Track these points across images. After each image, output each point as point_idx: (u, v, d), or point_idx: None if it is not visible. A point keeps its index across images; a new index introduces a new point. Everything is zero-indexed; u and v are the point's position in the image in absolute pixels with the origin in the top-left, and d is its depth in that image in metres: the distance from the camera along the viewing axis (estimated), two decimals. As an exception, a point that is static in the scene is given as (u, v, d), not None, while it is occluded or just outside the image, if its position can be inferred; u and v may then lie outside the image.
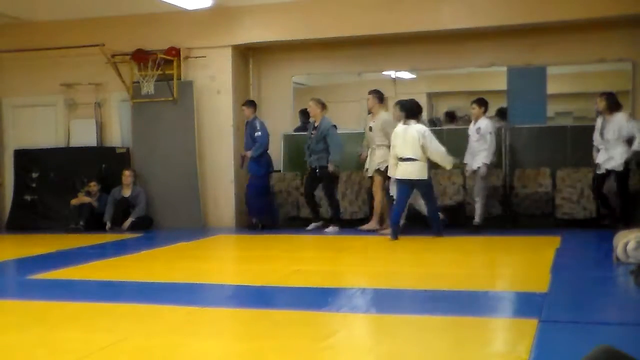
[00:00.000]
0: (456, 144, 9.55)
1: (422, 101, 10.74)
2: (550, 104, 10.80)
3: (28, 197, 11.67)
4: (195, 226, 10.83)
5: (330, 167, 9.93)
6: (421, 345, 4.13)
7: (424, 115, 10.45)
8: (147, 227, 10.82)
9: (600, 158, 8.97)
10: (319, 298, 5.55)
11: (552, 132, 10.44)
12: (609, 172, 8.93)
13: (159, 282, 6.38)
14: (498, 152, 10.17)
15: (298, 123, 11.48)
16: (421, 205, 9.23)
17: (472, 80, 11.60)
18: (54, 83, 11.62)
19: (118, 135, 11.66)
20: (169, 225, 10.90)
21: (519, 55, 10.49)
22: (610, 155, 8.84)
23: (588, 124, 9.67)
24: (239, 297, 5.78)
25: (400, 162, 8.77)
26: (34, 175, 11.66)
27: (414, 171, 8.71)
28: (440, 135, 9.35)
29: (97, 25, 11.23)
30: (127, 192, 10.94)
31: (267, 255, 8.26)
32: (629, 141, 8.78)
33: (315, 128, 10.10)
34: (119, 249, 9.10)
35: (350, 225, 10.06)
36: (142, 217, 10.84)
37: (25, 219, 11.57)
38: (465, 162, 9.47)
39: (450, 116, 11.88)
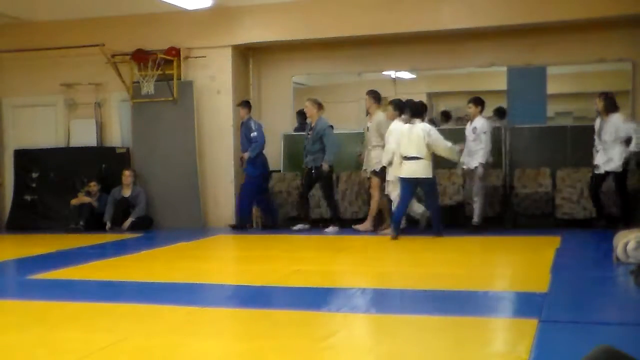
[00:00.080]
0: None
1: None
2: (550, 104, 10.81)
3: (28, 197, 11.67)
4: (195, 226, 10.83)
5: (325, 167, 9.92)
6: (421, 345, 4.13)
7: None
8: (147, 227, 10.82)
9: (598, 159, 8.97)
10: (319, 298, 5.55)
11: (552, 132, 10.44)
12: (607, 173, 8.93)
13: (159, 282, 6.38)
14: (498, 152, 10.18)
15: (295, 124, 11.48)
16: (415, 210, 9.26)
17: (472, 80, 11.60)
18: (54, 83, 11.62)
19: (118, 135, 11.66)
20: (169, 225, 10.90)
21: (519, 55, 10.49)
22: (609, 157, 8.84)
23: (588, 124, 9.66)
24: (239, 297, 5.78)
25: (405, 161, 8.81)
26: (34, 175, 11.65)
27: (419, 169, 8.75)
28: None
29: (97, 25, 11.23)
30: (127, 192, 10.94)
31: (267, 255, 8.27)
32: (627, 141, 8.78)
33: (311, 128, 10.10)
34: (119, 249, 9.10)
35: (351, 225, 10.05)
36: (142, 217, 10.84)
37: (25, 219, 11.57)
38: (463, 161, 9.47)
39: (446, 115, 11.90)
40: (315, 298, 5.55)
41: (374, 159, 9.65)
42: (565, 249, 7.75)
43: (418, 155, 8.75)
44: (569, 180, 9.77)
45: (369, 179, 9.91)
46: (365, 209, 10.25)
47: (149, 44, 10.95)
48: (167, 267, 7.48)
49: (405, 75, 11.48)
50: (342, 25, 10.58)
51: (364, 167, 10.03)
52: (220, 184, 11.06)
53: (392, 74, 11.26)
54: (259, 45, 11.22)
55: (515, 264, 7.27)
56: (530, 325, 4.26)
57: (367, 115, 9.99)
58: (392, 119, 9.36)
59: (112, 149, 11.54)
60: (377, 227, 9.76)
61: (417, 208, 9.34)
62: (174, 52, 10.96)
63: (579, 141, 9.91)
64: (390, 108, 9.48)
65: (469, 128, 9.47)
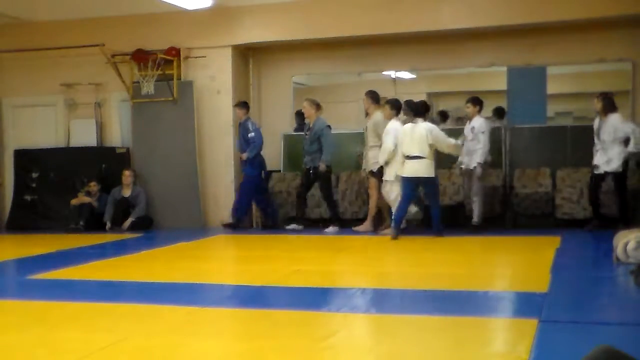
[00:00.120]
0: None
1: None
2: (550, 104, 10.81)
3: (28, 197, 11.67)
4: (195, 226, 10.83)
5: (321, 167, 9.92)
6: (421, 345, 4.13)
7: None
8: (147, 227, 10.82)
9: (597, 159, 8.97)
10: (319, 298, 5.55)
11: (552, 132, 10.44)
12: (607, 173, 8.93)
13: (159, 282, 6.38)
14: (497, 152, 10.18)
15: (295, 124, 11.48)
16: (409, 210, 9.27)
17: (472, 80, 11.60)
18: (54, 83, 11.62)
19: (118, 135, 11.66)
20: (169, 225, 10.90)
21: (519, 55, 10.49)
22: (608, 157, 8.84)
23: (588, 124, 9.66)
24: (239, 297, 5.78)
25: (407, 160, 8.83)
26: (34, 175, 11.65)
27: (422, 169, 8.79)
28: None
29: (97, 25, 11.23)
30: (127, 192, 10.94)
31: (267, 255, 8.27)
32: (626, 142, 8.78)
33: (309, 129, 10.11)
34: (119, 249, 9.10)
35: (353, 225, 10.04)
36: (142, 217, 10.84)
37: (25, 219, 11.57)
38: (461, 161, 9.47)
39: (443, 115, 11.91)
40: (315, 298, 5.55)
41: (372, 159, 9.67)
42: (565, 249, 7.74)
43: (421, 155, 8.79)
44: (569, 180, 9.77)
45: (368, 179, 9.92)
46: (366, 209, 10.25)
47: (149, 44, 10.94)
48: (167, 267, 7.48)
49: (405, 75, 11.48)
50: (342, 25, 10.58)
51: (363, 167, 10.05)
52: (220, 184, 11.06)
53: (392, 74, 11.26)
54: (259, 45, 11.22)
55: (515, 264, 7.27)
56: (530, 325, 4.25)
57: (366, 116, 9.99)
58: (389, 119, 9.37)
59: (112, 149, 11.54)
60: (377, 227, 9.75)
61: (411, 208, 9.35)
62: (174, 52, 10.96)
63: (579, 141, 9.91)
64: (386, 108, 9.49)
65: (467, 128, 9.48)
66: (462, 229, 9.37)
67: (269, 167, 11.32)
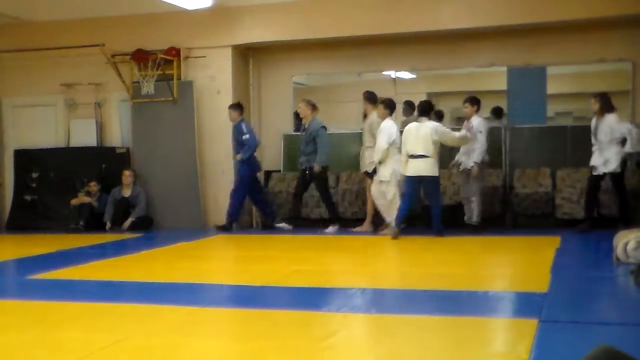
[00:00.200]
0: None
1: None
2: (550, 104, 10.81)
3: (28, 197, 11.67)
4: (195, 226, 10.83)
5: (316, 168, 9.91)
6: (421, 345, 4.13)
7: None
8: (147, 227, 10.82)
9: (594, 160, 8.96)
10: (319, 298, 5.55)
11: (552, 132, 10.44)
12: (604, 174, 8.93)
13: (159, 282, 6.38)
14: (497, 152, 10.19)
15: (294, 125, 11.47)
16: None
17: (472, 80, 11.60)
18: (54, 83, 11.62)
19: (118, 135, 11.66)
20: (169, 225, 10.90)
21: (519, 55, 10.49)
22: (605, 158, 8.84)
23: (588, 124, 9.64)
24: (239, 297, 5.78)
25: (411, 159, 8.87)
26: (34, 175, 11.65)
27: (425, 168, 8.84)
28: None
29: (97, 25, 11.23)
30: (127, 192, 10.94)
31: (267, 255, 8.27)
32: (623, 142, 8.78)
33: (305, 129, 10.11)
34: (119, 249, 9.10)
35: (353, 225, 10.04)
36: (142, 217, 10.85)
37: (25, 219, 11.57)
38: (459, 161, 9.47)
39: (439, 115, 11.90)
40: (315, 298, 5.55)
41: (367, 159, 9.70)
42: (565, 249, 7.75)
43: (425, 154, 8.84)
44: (569, 180, 9.77)
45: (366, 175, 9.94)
46: (366, 208, 10.25)
47: (149, 44, 10.95)
48: (167, 267, 7.48)
49: (405, 75, 11.48)
50: (342, 25, 10.58)
51: (361, 167, 10.09)
52: (220, 184, 11.05)
53: (392, 74, 11.26)
54: (259, 45, 11.22)
55: (515, 264, 7.27)
56: (530, 325, 4.25)
57: (365, 117, 10.03)
58: (383, 118, 9.40)
59: (112, 149, 11.54)
60: (377, 227, 9.76)
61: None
62: (174, 52, 10.96)
63: (579, 141, 9.90)
64: (380, 107, 9.52)
65: (465, 127, 9.48)
66: (462, 229, 9.36)
67: (269, 167, 11.33)
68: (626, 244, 6.53)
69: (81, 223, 10.80)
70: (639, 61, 10.07)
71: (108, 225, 10.84)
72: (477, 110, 9.46)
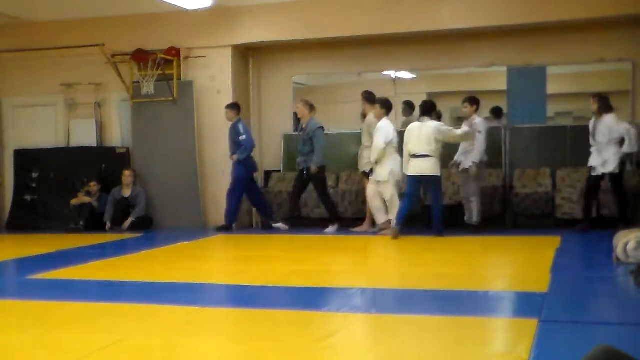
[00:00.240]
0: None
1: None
2: (550, 104, 10.81)
3: (28, 197, 11.67)
4: (195, 226, 10.82)
5: (312, 169, 9.91)
6: (421, 345, 4.13)
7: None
8: (147, 227, 10.82)
9: (593, 161, 8.96)
10: (319, 298, 5.55)
11: (552, 132, 10.44)
12: (603, 175, 8.93)
13: (159, 282, 6.38)
14: (497, 152, 10.19)
15: (293, 125, 11.48)
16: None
17: (472, 80, 11.60)
18: (54, 83, 11.62)
19: (118, 135, 11.66)
20: (169, 225, 10.90)
21: (519, 55, 10.49)
22: (604, 159, 8.84)
23: (588, 124, 9.66)
24: (239, 297, 5.78)
25: (413, 159, 8.89)
26: (34, 175, 11.65)
27: (428, 167, 8.87)
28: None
29: (97, 25, 11.23)
30: (127, 192, 10.94)
31: (267, 255, 8.27)
32: (621, 142, 8.77)
33: (302, 129, 10.10)
34: (119, 249, 9.10)
35: (354, 225, 10.04)
36: (142, 217, 10.84)
37: (25, 219, 11.57)
38: (457, 160, 9.47)
39: (437, 116, 11.90)
40: (315, 298, 5.55)
41: (365, 159, 9.71)
42: (565, 249, 7.75)
43: (427, 154, 8.86)
44: (569, 180, 9.77)
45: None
46: (366, 208, 10.25)
47: (149, 44, 10.94)
48: (167, 267, 7.48)
49: (405, 75, 11.48)
50: (342, 25, 10.58)
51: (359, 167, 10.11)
52: (220, 184, 11.03)
53: (392, 74, 11.26)
54: (259, 45, 11.22)
55: (515, 264, 7.27)
56: (530, 325, 4.25)
57: (364, 117, 10.05)
58: (380, 118, 9.42)
59: (112, 149, 11.54)
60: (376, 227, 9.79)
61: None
62: (174, 52, 10.96)
63: (579, 141, 9.88)
64: (376, 107, 9.55)
65: (463, 127, 9.48)
66: (462, 229, 9.36)
67: (269, 167, 11.34)
68: (626, 244, 6.53)
69: (81, 223, 10.80)
70: (639, 61, 10.07)
71: (108, 225, 10.84)
72: (477, 110, 9.47)
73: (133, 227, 10.65)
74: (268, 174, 11.36)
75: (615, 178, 8.92)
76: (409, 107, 11.22)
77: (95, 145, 11.63)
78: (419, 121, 9.14)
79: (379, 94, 10.05)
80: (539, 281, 5.69)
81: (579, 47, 10.22)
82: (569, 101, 11.84)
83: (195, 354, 4.00)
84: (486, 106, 10.63)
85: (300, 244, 9.25)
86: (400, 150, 9.34)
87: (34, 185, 11.65)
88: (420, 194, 9.56)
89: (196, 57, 11.11)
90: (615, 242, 6.80)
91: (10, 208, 11.80)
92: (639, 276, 5.58)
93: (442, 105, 12.35)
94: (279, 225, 10.15)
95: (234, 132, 10.32)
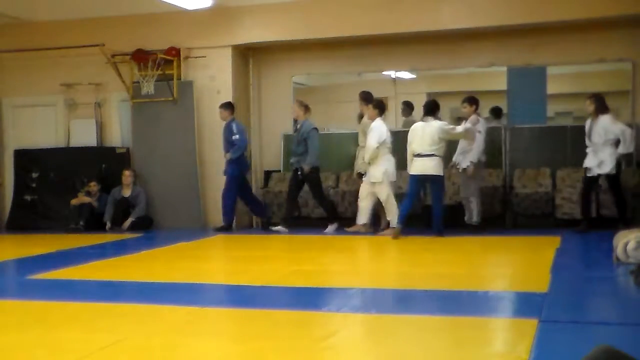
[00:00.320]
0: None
1: (423, 101, 10.76)
2: (550, 104, 10.81)
3: (28, 197, 11.67)
4: (195, 226, 10.83)
5: (305, 169, 9.90)
6: (421, 345, 4.13)
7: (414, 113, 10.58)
8: (147, 227, 10.83)
9: (588, 162, 8.95)
10: (319, 298, 5.55)
11: (552, 132, 10.45)
12: (599, 176, 8.92)
13: (159, 282, 6.37)
14: (497, 152, 10.20)
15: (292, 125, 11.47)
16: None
17: (472, 80, 11.60)
18: (54, 83, 11.62)
19: (118, 135, 11.66)
20: (169, 225, 10.90)
21: (519, 55, 10.49)
22: (600, 159, 8.83)
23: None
24: (239, 297, 5.78)
25: (417, 158, 8.90)
26: (34, 175, 11.66)
27: (432, 167, 8.90)
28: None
29: (97, 25, 11.23)
30: (127, 192, 10.94)
31: (267, 255, 8.27)
32: (617, 143, 8.76)
33: (297, 129, 10.10)
34: (119, 249, 9.10)
35: (353, 225, 10.03)
36: (142, 217, 10.85)
37: (25, 219, 11.57)
38: (455, 161, 9.47)
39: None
40: (315, 298, 5.55)
41: (361, 160, 9.73)
42: (565, 249, 7.75)
43: (431, 153, 8.87)
44: (569, 180, 9.78)
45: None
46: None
47: (149, 44, 10.94)
48: (167, 267, 7.48)
49: (405, 75, 11.49)
50: (342, 25, 10.58)
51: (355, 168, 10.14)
52: (220, 184, 11.01)
53: (392, 74, 11.27)
54: (259, 45, 11.22)
55: (515, 264, 7.27)
56: (530, 325, 4.25)
57: (361, 117, 10.06)
58: (373, 119, 9.44)
59: (112, 149, 11.54)
60: (375, 227, 9.78)
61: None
62: (174, 52, 10.96)
63: (579, 141, 9.85)
64: (370, 108, 9.56)
65: (470, 122, 9.48)
66: (462, 229, 9.36)
67: (269, 167, 11.34)
68: (626, 244, 6.53)
69: (81, 223, 10.80)
70: (639, 61, 10.07)
71: (108, 225, 10.84)
72: (476, 110, 9.47)
73: (133, 227, 10.65)
74: (268, 174, 11.36)
75: (612, 179, 8.90)
76: (408, 107, 11.24)
77: (95, 145, 11.64)
78: (422, 121, 9.14)
79: (379, 94, 10.05)
80: (539, 281, 5.69)
81: (579, 47, 10.22)
82: (569, 101, 11.84)
83: (195, 354, 4.00)
84: (486, 106, 10.64)
85: (300, 244, 9.25)
86: (400, 150, 9.34)
87: (34, 185, 11.66)
88: (421, 194, 9.56)
89: (196, 57, 11.11)
90: (615, 242, 6.80)
91: (10, 208, 11.80)
92: (639, 276, 5.58)
93: (442, 105, 12.36)
94: (279, 228, 10.11)
95: (228, 131, 10.33)
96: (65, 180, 11.41)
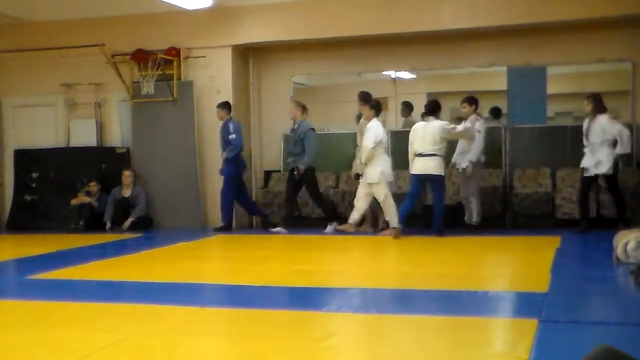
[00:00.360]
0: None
1: (423, 101, 10.77)
2: (550, 104, 10.81)
3: (28, 197, 11.67)
4: (195, 226, 10.83)
5: (300, 168, 9.89)
6: (421, 345, 4.13)
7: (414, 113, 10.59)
8: (147, 227, 10.83)
9: (586, 162, 8.95)
10: (319, 298, 5.55)
11: (552, 132, 10.45)
12: (596, 175, 8.91)
13: (159, 282, 6.37)
14: (497, 152, 10.20)
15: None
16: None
17: (472, 80, 11.60)
18: (54, 83, 11.62)
19: (118, 135, 11.66)
20: (169, 225, 10.90)
21: (519, 55, 10.49)
22: (597, 159, 8.82)
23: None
24: (239, 297, 5.77)
25: (418, 158, 8.91)
26: (34, 175, 11.66)
27: (434, 166, 8.91)
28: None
29: (97, 25, 11.23)
30: (127, 192, 10.94)
31: (267, 255, 8.27)
32: (614, 143, 8.76)
33: (294, 129, 10.09)
34: (119, 249, 9.10)
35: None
36: (142, 217, 10.85)
37: (25, 219, 11.57)
38: (455, 161, 9.47)
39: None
40: (315, 298, 5.55)
41: (358, 160, 9.73)
42: (565, 249, 7.75)
43: (432, 153, 8.88)
44: (569, 180, 9.77)
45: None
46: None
47: (149, 44, 10.94)
48: (167, 267, 7.48)
49: (405, 75, 11.49)
50: (342, 25, 10.58)
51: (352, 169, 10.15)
52: (220, 184, 11.02)
53: (392, 74, 11.27)
54: (259, 45, 11.22)
55: (515, 264, 7.27)
56: (530, 325, 4.25)
57: (359, 118, 10.07)
58: (369, 119, 9.46)
59: (112, 149, 11.54)
60: (375, 227, 9.79)
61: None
62: (174, 52, 10.96)
63: (579, 141, 9.83)
64: (366, 108, 9.57)
65: (461, 127, 9.48)
66: (462, 229, 9.37)
67: (269, 167, 11.34)
68: (626, 244, 6.53)
69: (81, 223, 10.80)
70: (639, 61, 10.07)
71: (108, 225, 10.84)
72: (475, 110, 9.47)
73: (133, 227, 10.65)
74: (268, 174, 11.36)
75: (610, 179, 8.90)
76: (407, 107, 11.24)
77: (95, 145, 11.64)
78: (424, 120, 9.15)
79: (379, 94, 10.05)
80: (539, 281, 5.69)
81: (579, 47, 10.22)
82: (569, 101, 11.84)
83: (195, 354, 4.00)
84: (486, 106, 10.65)
85: (300, 244, 9.25)
86: (400, 150, 9.34)
87: (34, 185, 11.66)
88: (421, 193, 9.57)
89: (196, 57, 11.11)
90: (615, 242, 6.80)
91: (10, 208, 11.80)
92: (639, 276, 5.58)
93: (442, 105, 12.36)
94: (278, 229, 10.10)
95: (225, 130, 10.34)
96: (65, 180, 11.41)
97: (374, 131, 9.28)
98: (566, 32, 10.17)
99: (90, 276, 6.78)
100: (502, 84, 10.69)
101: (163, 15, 10.98)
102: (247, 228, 10.95)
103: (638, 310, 5.08)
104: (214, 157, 11.03)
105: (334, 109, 11.60)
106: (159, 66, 10.86)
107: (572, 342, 3.96)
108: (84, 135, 11.67)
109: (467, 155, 9.27)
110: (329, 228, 9.92)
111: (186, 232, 10.22)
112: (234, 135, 10.25)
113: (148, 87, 10.99)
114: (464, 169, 9.33)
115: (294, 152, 10.05)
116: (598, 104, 8.88)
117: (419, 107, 10.78)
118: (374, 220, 9.87)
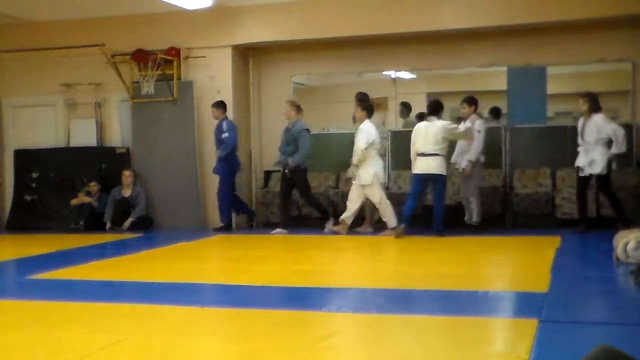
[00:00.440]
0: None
1: (422, 101, 10.79)
2: (550, 104, 10.82)
3: (28, 197, 11.67)
4: (195, 226, 10.83)
5: (290, 163, 9.86)
6: (421, 345, 4.13)
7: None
8: (147, 227, 10.83)
9: (580, 161, 8.94)
10: (318, 298, 5.55)
11: (552, 132, 10.45)
12: (591, 175, 8.91)
13: (159, 282, 6.37)
14: (497, 152, 10.20)
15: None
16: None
17: (472, 80, 11.61)
18: (54, 83, 11.62)
19: (118, 135, 11.66)
20: (169, 225, 10.90)
21: (519, 55, 10.49)
22: (591, 159, 8.82)
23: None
24: (239, 297, 5.77)
25: (420, 157, 8.91)
26: (34, 175, 11.66)
27: (436, 166, 8.92)
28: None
29: (97, 25, 11.23)
30: (127, 192, 10.94)
31: (267, 255, 8.27)
32: (609, 142, 8.75)
33: (287, 129, 10.09)
34: (119, 249, 9.10)
35: (353, 225, 10.02)
36: (142, 217, 10.85)
37: (25, 219, 11.57)
38: (454, 160, 9.47)
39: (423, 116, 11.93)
40: (315, 298, 5.55)
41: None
42: (565, 249, 7.75)
43: (434, 152, 8.89)
44: (569, 180, 9.77)
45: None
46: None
47: (149, 44, 10.94)
48: (167, 267, 7.48)
49: (405, 75, 11.49)
50: (342, 25, 10.58)
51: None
52: (220, 184, 11.05)
53: (392, 74, 11.27)
54: (259, 45, 11.22)
55: (515, 264, 7.27)
56: (530, 325, 4.25)
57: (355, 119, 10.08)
58: (361, 121, 9.49)
59: (112, 149, 11.54)
60: (376, 227, 9.80)
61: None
62: (174, 52, 10.96)
63: (579, 141, 9.91)
64: (358, 109, 9.58)
65: (461, 127, 9.48)
66: (462, 229, 9.37)
67: (269, 167, 11.33)
68: (626, 244, 6.53)
69: (81, 223, 10.80)
70: (639, 61, 10.07)
71: (108, 225, 10.85)
72: (475, 110, 9.47)
73: (133, 227, 10.65)
74: (268, 174, 11.37)
75: (603, 179, 8.88)
76: (405, 108, 11.24)
77: (95, 145, 11.64)
78: (426, 120, 9.15)
79: (379, 94, 10.06)
80: (539, 281, 5.69)
81: (579, 47, 10.22)
82: (569, 101, 11.82)
83: (195, 354, 4.00)
84: (486, 106, 10.65)
85: (299, 244, 9.25)
86: (400, 151, 9.34)
87: (34, 185, 11.66)
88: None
89: (196, 57, 11.11)
90: (615, 242, 6.80)
91: (10, 208, 11.80)
92: (639, 276, 5.58)
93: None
94: (278, 231, 10.07)
95: (219, 130, 10.35)
96: (65, 180, 11.41)
97: (366, 133, 9.30)
98: (566, 32, 10.17)
99: (90, 276, 6.78)
100: (502, 84, 10.69)
101: (163, 15, 10.98)
102: (247, 228, 10.94)
103: (638, 310, 5.08)
104: (214, 157, 11.02)
105: (333, 109, 11.59)
106: (159, 66, 10.86)
107: (572, 342, 3.96)
108: (84, 135, 11.67)
109: (467, 155, 9.27)
110: (327, 227, 9.90)
111: (186, 232, 10.22)
112: (227, 134, 10.26)
113: (148, 87, 10.99)
114: (463, 169, 9.33)
115: (286, 152, 10.04)
116: (594, 103, 8.87)
117: (419, 107, 10.83)
118: (364, 220, 9.88)
